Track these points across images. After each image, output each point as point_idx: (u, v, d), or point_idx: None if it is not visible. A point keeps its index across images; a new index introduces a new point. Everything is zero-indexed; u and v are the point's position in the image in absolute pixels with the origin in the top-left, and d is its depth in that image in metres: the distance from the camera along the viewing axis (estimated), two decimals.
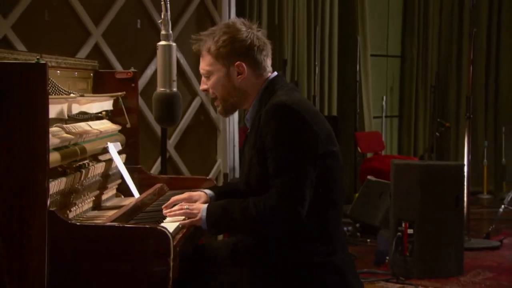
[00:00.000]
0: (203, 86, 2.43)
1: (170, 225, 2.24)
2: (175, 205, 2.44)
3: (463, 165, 5.06)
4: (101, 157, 2.69)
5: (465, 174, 5.08)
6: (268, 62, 2.39)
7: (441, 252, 4.58)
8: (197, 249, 2.53)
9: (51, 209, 1.98)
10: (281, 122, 2.21)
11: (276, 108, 2.22)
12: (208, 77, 2.39)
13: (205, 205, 2.29)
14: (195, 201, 2.43)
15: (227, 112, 2.45)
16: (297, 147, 2.20)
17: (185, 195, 2.47)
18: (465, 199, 5.10)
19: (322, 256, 2.26)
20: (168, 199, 2.54)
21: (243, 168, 2.40)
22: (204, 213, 2.25)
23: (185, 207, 2.30)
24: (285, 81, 2.41)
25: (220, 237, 5.24)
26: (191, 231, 2.32)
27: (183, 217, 2.32)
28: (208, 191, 2.49)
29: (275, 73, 2.42)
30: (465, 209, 5.06)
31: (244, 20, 2.40)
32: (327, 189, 2.27)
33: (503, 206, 5.80)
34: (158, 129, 4.67)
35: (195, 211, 2.27)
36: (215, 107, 5.62)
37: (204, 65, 2.39)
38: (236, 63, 2.33)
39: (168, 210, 2.32)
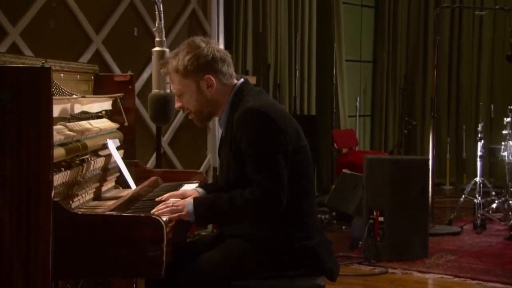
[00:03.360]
0: (177, 104, 2.40)
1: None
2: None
3: (428, 159, 5.09)
4: (101, 153, 2.67)
5: (430, 167, 5.10)
6: (231, 70, 2.37)
7: (408, 237, 4.61)
8: (191, 242, 2.54)
9: (55, 199, 1.97)
10: (252, 125, 2.22)
11: (246, 113, 2.23)
12: (180, 95, 2.37)
13: (191, 200, 2.26)
14: (187, 197, 2.42)
15: (203, 122, 2.43)
16: (270, 145, 2.21)
17: (180, 191, 2.46)
18: (430, 189, 5.12)
19: (299, 241, 2.28)
20: (162, 191, 2.53)
21: (222, 169, 2.41)
22: (191, 207, 2.23)
23: (170, 204, 2.26)
24: (252, 86, 2.40)
25: (209, 228, 5.25)
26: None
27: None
28: (200, 190, 2.49)
29: (242, 79, 2.40)
30: (429, 199, 5.09)
31: (202, 37, 2.39)
32: (300, 180, 2.29)
33: (463, 196, 5.83)
34: (153, 127, 4.65)
35: (180, 207, 2.24)
36: None
37: (175, 85, 2.36)
38: (205, 77, 2.31)
39: (155, 209, 2.27)
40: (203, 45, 2.33)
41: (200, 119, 2.41)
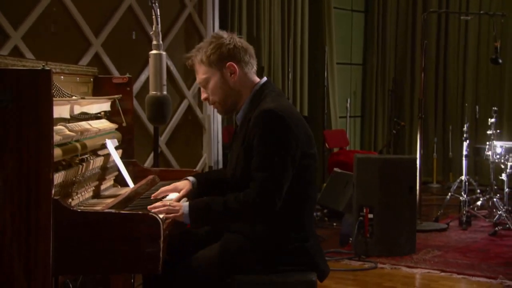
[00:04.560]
0: (203, 96, 2.40)
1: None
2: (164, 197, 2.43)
3: (416, 158, 5.10)
4: (100, 152, 2.66)
5: (418, 166, 5.11)
6: (253, 61, 2.37)
7: (396, 233, 4.61)
8: (185, 235, 2.52)
9: (55, 197, 1.96)
10: (268, 126, 2.21)
11: (265, 114, 2.22)
12: (205, 86, 2.36)
13: (187, 203, 2.26)
14: (180, 190, 2.41)
15: (227, 111, 2.42)
16: (280, 148, 2.20)
17: (171, 186, 2.45)
18: (418, 187, 5.13)
19: (296, 242, 2.27)
20: (159, 189, 2.52)
21: (231, 161, 2.40)
22: (186, 209, 2.21)
23: (168, 203, 2.25)
24: (273, 87, 2.39)
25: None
26: None
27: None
28: (191, 178, 2.48)
29: (265, 78, 2.40)
30: (417, 197, 5.10)
31: (224, 31, 2.40)
32: (303, 185, 2.28)
33: (449, 194, 5.85)
34: (150, 127, 4.65)
35: (177, 208, 2.22)
36: (201, 108, 5.64)
37: (200, 75, 2.36)
38: (228, 64, 2.31)
39: (152, 206, 2.25)
40: (225, 35, 2.34)
41: (225, 109, 2.39)
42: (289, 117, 2.23)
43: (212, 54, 2.30)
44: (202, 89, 2.40)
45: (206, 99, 2.39)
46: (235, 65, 2.32)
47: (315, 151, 2.33)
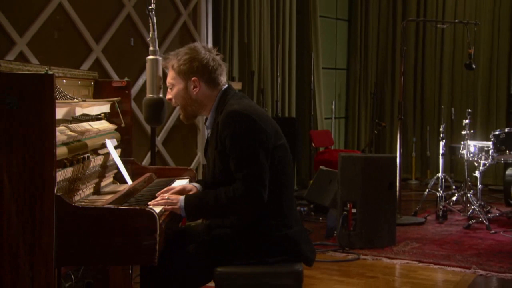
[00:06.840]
0: (168, 96, 2.43)
1: (157, 207, 2.23)
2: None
3: (396, 156, 5.12)
4: (100, 151, 2.65)
5: (397, 164, 5.13)
6: (222, 79, 2.38)
7: (378, 227, 4.63)
8: (181, 230, 2.53)
9: (58, 194, 1.95)
10: (236, 126, 2.22)
11: (230, 115, 2.23)
12: (171, 88, 2.39)
13: (183, 196, 2.28)
14: (188, 191, 2.40)
15: (188, 118, 2.44)
16: (251, 144, 2.21)
17: (180, 187, 2.44)
18: (397, 184, 5.15)
19: (279, 230, 2.28)
20: (156, 186, 2.52)
21: (208, 166, 2.41)
22: (183, 203, 2.24)
23: (166, 197, 2.28)
24: (235, 91, 2.41)
25: (200, 220, 5.24)
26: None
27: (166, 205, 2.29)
28: (197, 185, 2.47)
29: (225, 85, 2.41)
30: (397, 192, 5.12)
31: (205, 45, 2.41)
32: (279, 175, 2.29)
33: (427, 190, 5.87)
34: (148, 128, 4.64)
35: (174, 201, 2.26)
36: None
37: (169, 78, 2.39)
38: (193, 79, 2.33)
39: (153, 201, 2.29)
40: (202, 51, 2.35)
41: (185, 115, 2.43)
42: (253, 113, 2.24)
43: (182, 65, 2.33)
44: (168, 90, 2.41)
45: (170, 100, 2.42)
46: (200, 81, 2.33)
47: (284, 142, 2.34)
